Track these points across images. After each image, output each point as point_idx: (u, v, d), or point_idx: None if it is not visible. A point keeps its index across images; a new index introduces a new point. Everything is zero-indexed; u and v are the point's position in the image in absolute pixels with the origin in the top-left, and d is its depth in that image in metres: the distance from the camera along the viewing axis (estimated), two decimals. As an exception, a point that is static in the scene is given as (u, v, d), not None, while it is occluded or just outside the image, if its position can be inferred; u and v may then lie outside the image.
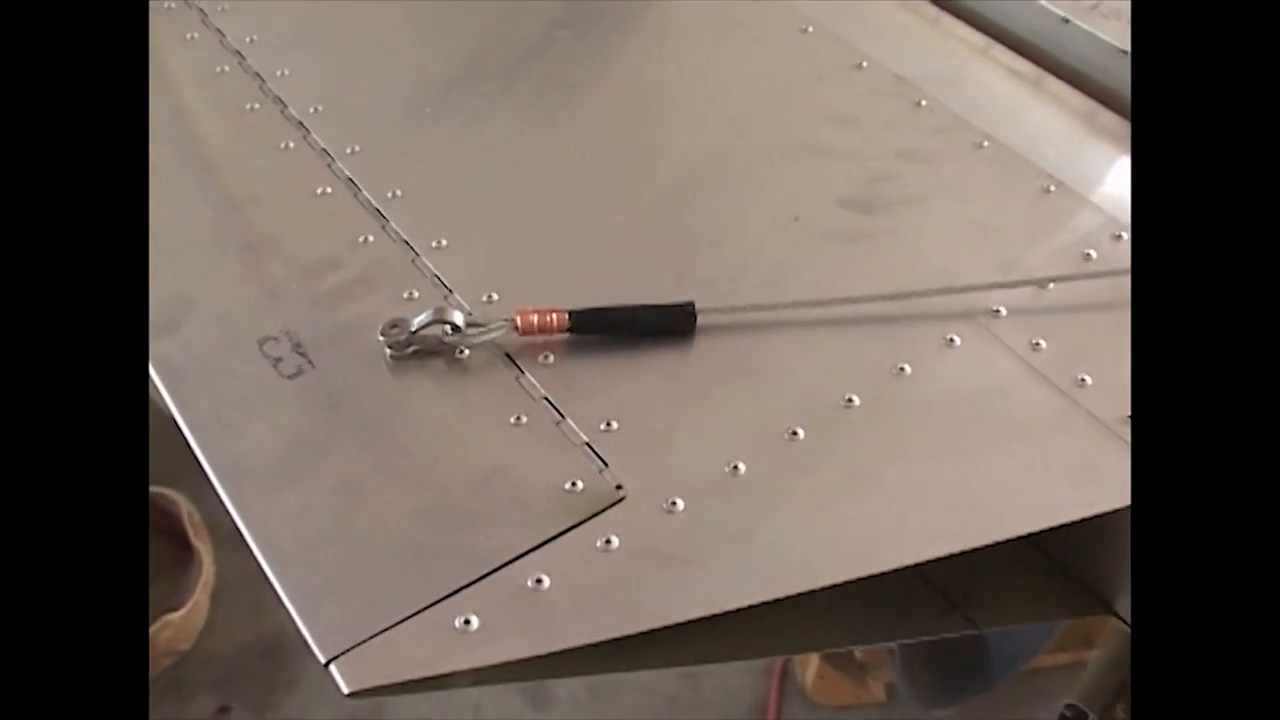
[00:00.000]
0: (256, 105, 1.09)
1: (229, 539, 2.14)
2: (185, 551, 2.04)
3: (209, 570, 2.02)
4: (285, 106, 1.08)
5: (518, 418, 0.80)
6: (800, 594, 0.71)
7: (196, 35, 1.18)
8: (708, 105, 1.10)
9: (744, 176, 1.01)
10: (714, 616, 0.70)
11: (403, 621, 0.68)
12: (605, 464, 0.77)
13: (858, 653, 1.92)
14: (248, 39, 1.16)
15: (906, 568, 0.72)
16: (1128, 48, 1.05)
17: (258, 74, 1.12)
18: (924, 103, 1.07)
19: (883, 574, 0.71)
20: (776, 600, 0.70)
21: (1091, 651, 1.69)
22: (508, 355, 0.84)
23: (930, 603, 0.87)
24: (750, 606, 0.70)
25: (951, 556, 0.72)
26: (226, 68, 1.14)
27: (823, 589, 0.71)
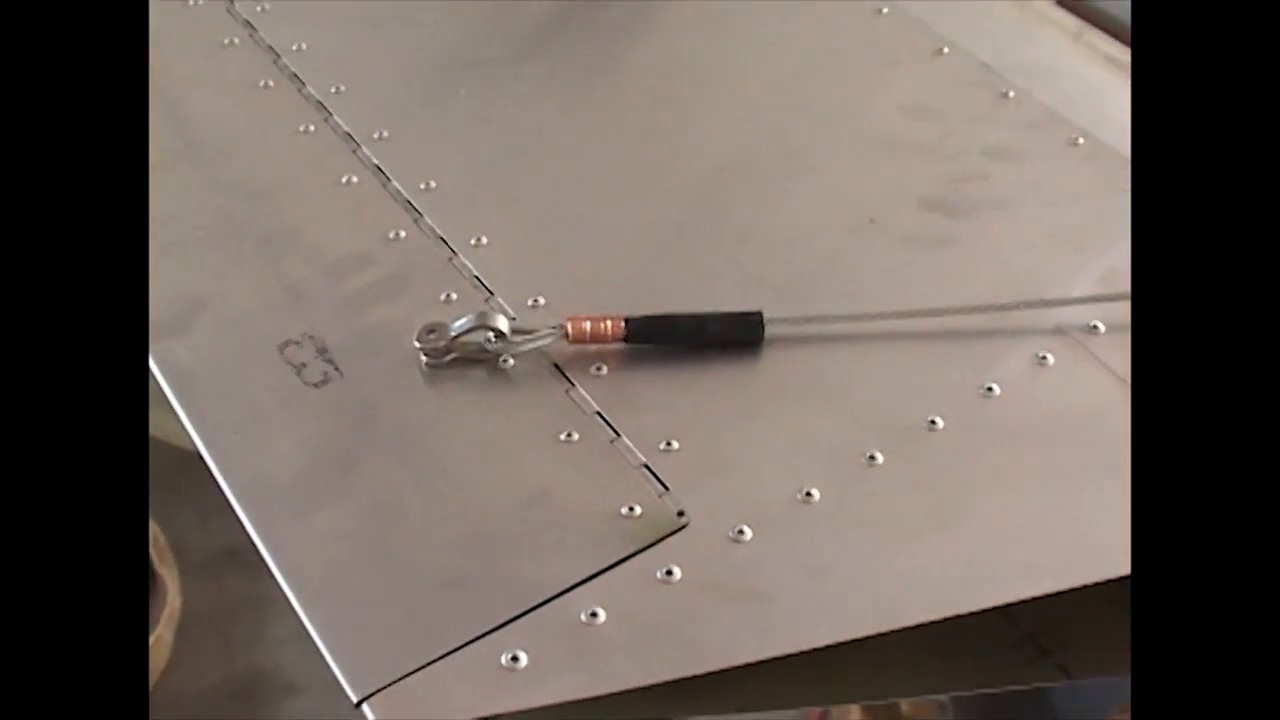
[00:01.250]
0: (270, 83, 1.12)
1: (197, 565, 2.16)
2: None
3: (174, 601, 2.03)
4: (303, 85, 1.11)
5: (568, 435, 0.82)
6: (875, 635, 0.72)
7: (200, 1, 1.20)
8: (772, 92, 1.13)
9: (814, 173, 1.04)
10: (780, 658, 0.71)
11: (443, 657, 0.70)
12: (665, 487, 0.79)
13: (905, 704, 1.93)
14: (258, 7, 1.19)
15: (994, 609, 0.74)
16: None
17: (271, 47, 1.15)
18: (1012, 94, 1.10)
19: (967, 616, 0.73)
20: (849, 641, 0.72)
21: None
22: (556, 366, 0.87)
23: (1019, 649, 0.88)
24: (820, 648, 0.72)
25: (1045, 597, 0.74)
26: (235, 39, 1.17)
27: (901, 630, 0.73)
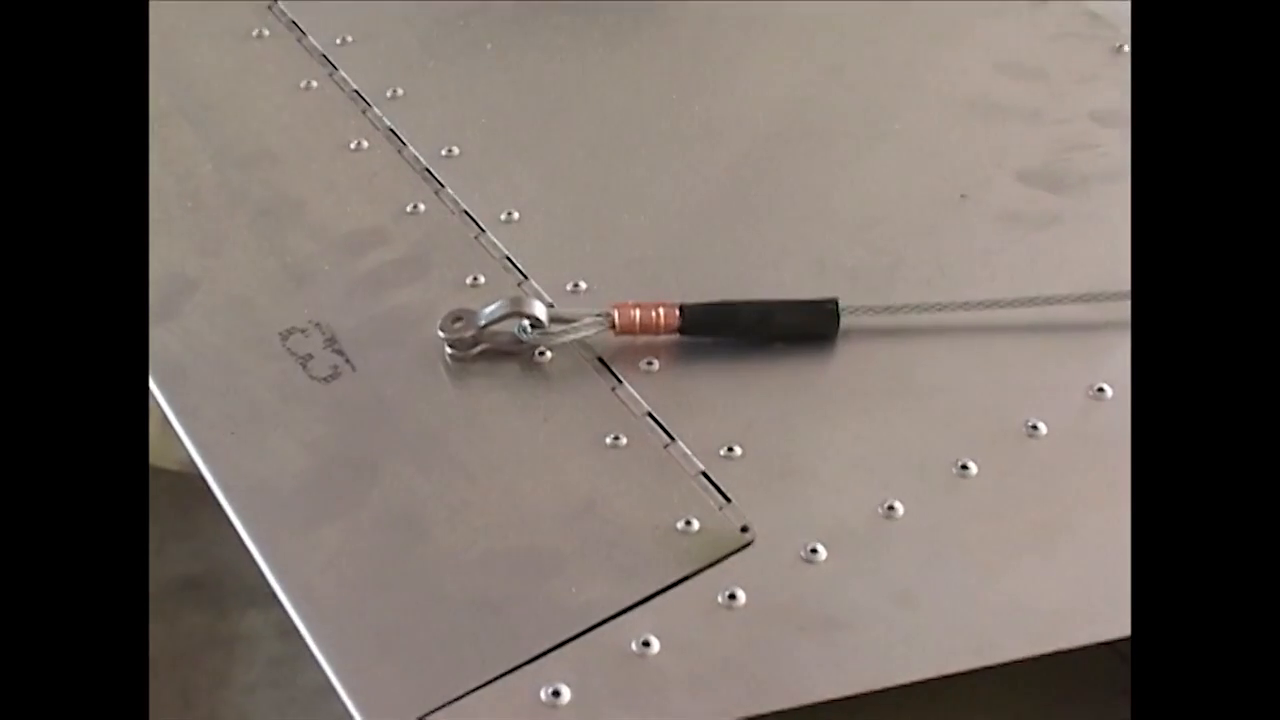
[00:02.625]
0: (265, 31, 1.13)
1: (152, 599, 2.17)
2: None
3: (126, 641, 2.04)
4: (303, 34, 1.13)
5: (615, 438, 0.84)
6: (967, 672, 0.73)
7: (183, -64, 1.22)
8: (845, 43, 1.14)
9: (896, 139, 1.05)
10: (857, 696, 0.73)
11: (474, 691, 0.72)
12: (726, 499, 0.81)
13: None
14: (250, -57, 1.21)
15: (1105, 644, 0.75)
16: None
17: (265, -11, 1.17)
18: (1126, 48, 1.10)
19: (1073, 651, 0.74)
20: (937, 678, 0.73)
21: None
22: (601, 360, 0.88)
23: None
24: (904, 685, 0.73)
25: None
26: (224, -19, 1.18)
27: (997, 666, 0.74)
